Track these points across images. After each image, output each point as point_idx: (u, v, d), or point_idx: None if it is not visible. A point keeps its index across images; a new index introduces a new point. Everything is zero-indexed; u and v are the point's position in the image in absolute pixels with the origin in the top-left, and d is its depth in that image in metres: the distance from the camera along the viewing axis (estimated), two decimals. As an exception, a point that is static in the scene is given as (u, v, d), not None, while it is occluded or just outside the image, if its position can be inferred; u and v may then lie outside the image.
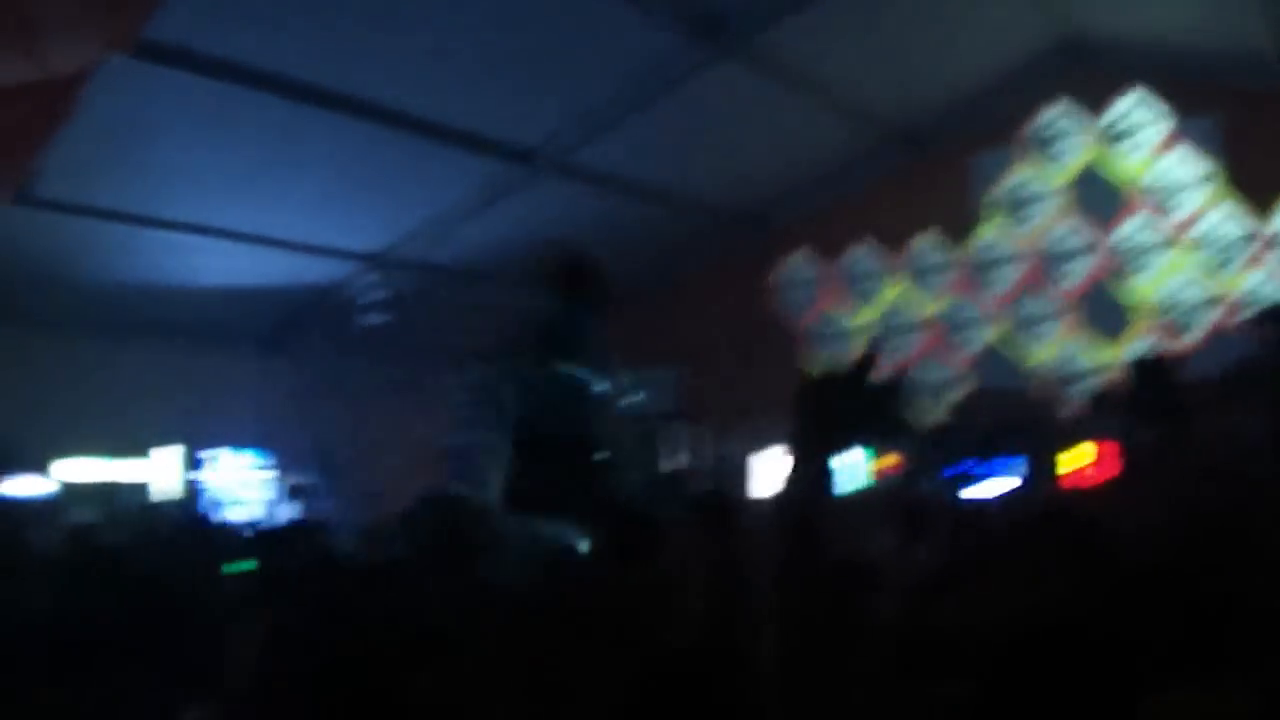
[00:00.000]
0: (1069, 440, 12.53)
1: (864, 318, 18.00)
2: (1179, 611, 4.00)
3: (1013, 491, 12.03)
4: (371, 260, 16.52)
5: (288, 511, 16.03)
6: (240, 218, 14.55)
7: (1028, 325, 16.83)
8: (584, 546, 7.64)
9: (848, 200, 17.73)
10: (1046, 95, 16.69)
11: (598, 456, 14.22)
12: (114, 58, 8.57)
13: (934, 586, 6.26)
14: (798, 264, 18.49)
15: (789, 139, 16.11)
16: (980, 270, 17.21)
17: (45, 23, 6.75)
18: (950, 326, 17.37)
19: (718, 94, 14.32)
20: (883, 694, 2.83)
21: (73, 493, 14.61)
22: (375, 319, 16.50)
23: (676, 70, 13.81)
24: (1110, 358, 16.01)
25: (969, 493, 12.21)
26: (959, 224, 17.24)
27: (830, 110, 15.69)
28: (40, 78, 7.42)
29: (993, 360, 16.95)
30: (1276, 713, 2.90)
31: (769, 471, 14.54)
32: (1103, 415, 13.23)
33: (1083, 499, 9.77)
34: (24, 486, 14.28)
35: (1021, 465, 12.46)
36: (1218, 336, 15.28)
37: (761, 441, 14.60)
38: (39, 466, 14.64)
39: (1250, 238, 15.55)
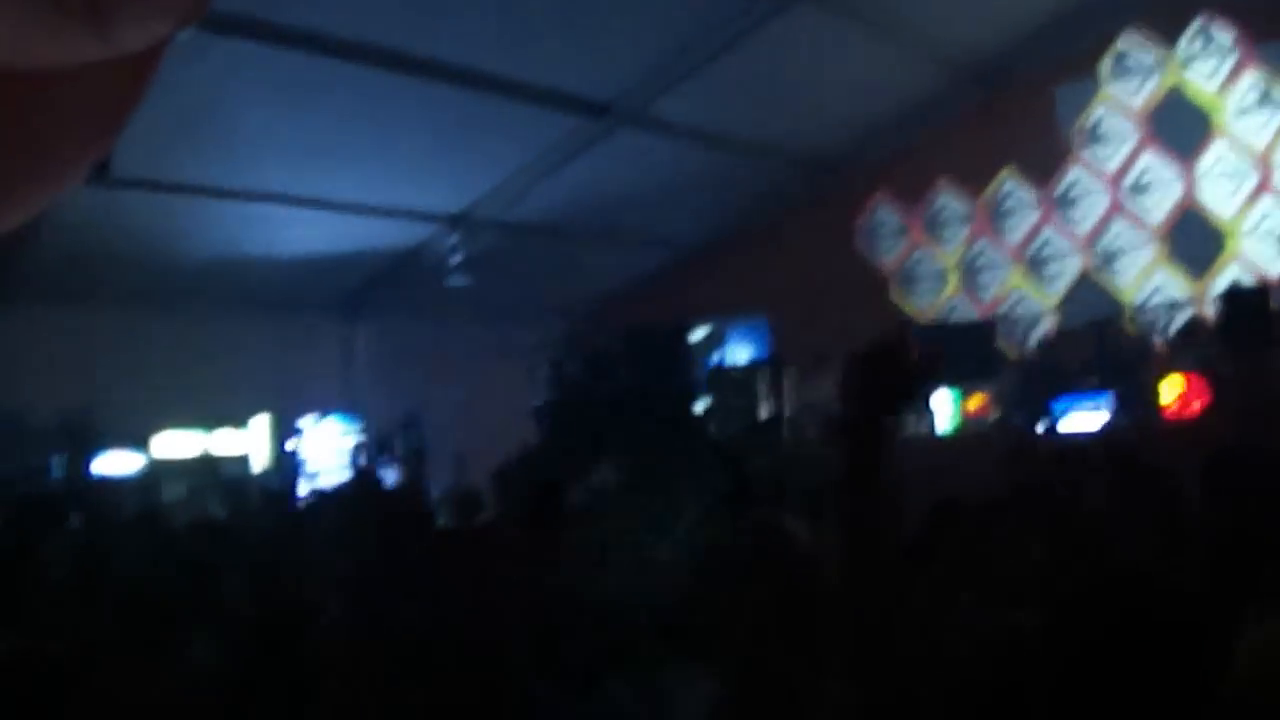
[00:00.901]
0: (1158, 374, 12.42)
1: (949, 258, 17.87)
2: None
3: (1099, 427, 11.94)
4: (452, 221, 16.53)
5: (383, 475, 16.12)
6: (319, 185, 14.61)
7: (1115, 259, 16.63)
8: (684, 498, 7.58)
9: (928, 141, 17.54)
10: (1125, 23, 16.41)
11: (695, 407, 14.29)
12: (185, 32, 8.61)
13: (1015, 522, 6.23)
14: (881, 207, 18.36)
15: (866, 81, 15.94)
16: (1065, 205, 17.01)
17: (114, 1, 6.77)
18: (1036, 263, 17.19)
19: (793, 38, 14.17)
20: (958, 624, 2.81)
21: (166, 467, 14.75)
22: (458, 280, 16.53)
23: (751, 17, 13.70)
24: (1199, 289, 15.79)
25: (1058, 428, 12.14)
26: (1042, 159, 17.03)
27: (906, 49, 15.51)
28: (112, 56, 7.46)
29: (1081, 295, 16.76)
30: None
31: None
32: (1192, 347, 13.10)
33: (1169, 433, 9.69)
34: (117, 464, 14.44)
35: (1109, 400, 12.34)
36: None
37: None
38: (132, 442, 14.80)
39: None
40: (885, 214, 18.34)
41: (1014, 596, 4.07)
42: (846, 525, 2.58)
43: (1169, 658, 2.37)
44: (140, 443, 14.95)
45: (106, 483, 13.67)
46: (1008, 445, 9.42)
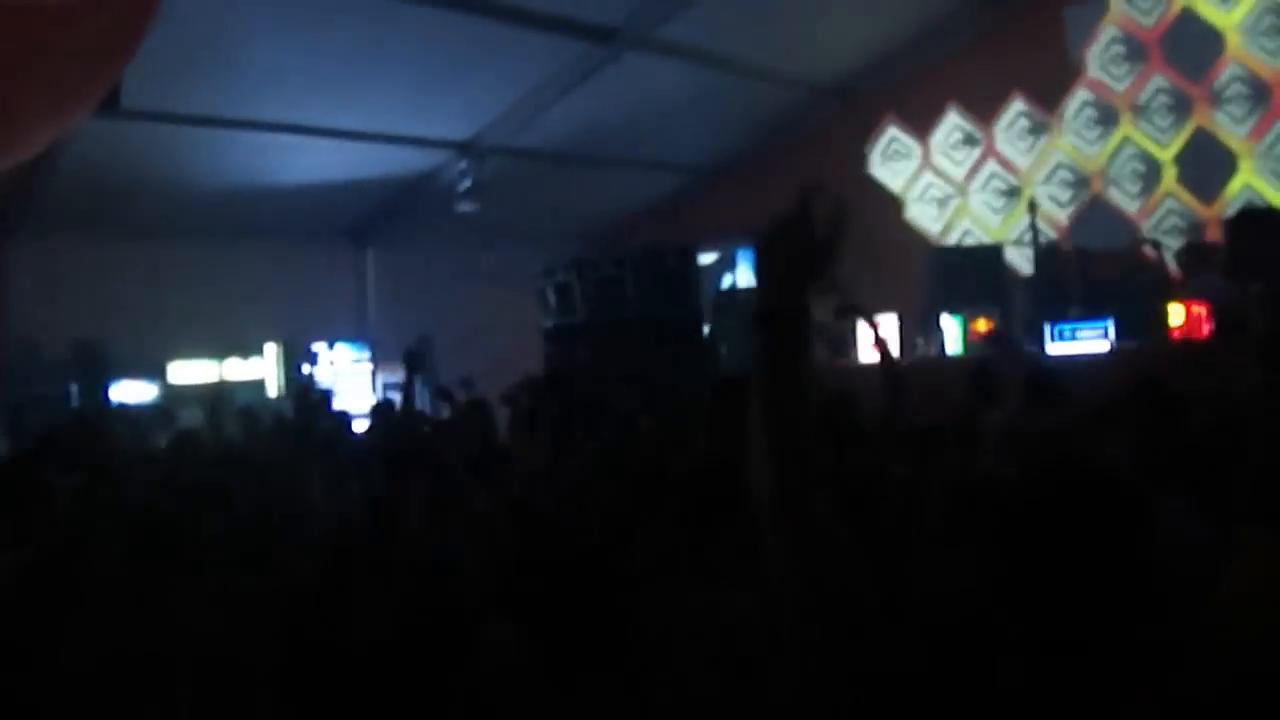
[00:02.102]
0: (1164, 298, 12.43)
1: (959, 181, 17.89)
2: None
3: (1101, 351, 12.01)
4: (459, 148, 16.57)
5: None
6: (329, 114, 14.63)
7: (1124, 182, 16.62)
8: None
9: (937, 66, 17.49)
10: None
11: (703, 329, 14.36)
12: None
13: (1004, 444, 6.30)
14: (891, 131, 18.36)
15: (873, 5, 15.92)
16: (1075, 128, 16.98)
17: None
18: (1046, 186, 17.19)
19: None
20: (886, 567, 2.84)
21: (183, 395, 14.87)
22: (466, 206, 16.59)
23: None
24: (1211, 213, 15.78)
25: (1061, 351, 12.20)
26: (1051, 83, 16.98)
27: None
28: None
29: (1091, 217, 16.77)
30: None
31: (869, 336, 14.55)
32: (1200, 271, 13.09)
33: (1172, 358, 9.74)
34: (133, 392, 14.56)
35: (1112, 324, 12.37)
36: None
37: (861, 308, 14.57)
38: (148, 371, 14.92)
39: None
40: (896, 138, 18.33)
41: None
42: (765, 423, 2.51)
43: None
44: (155, 372, 15.07)
45: (123, 410, 13.77)
46: (989, 369, 9.48)
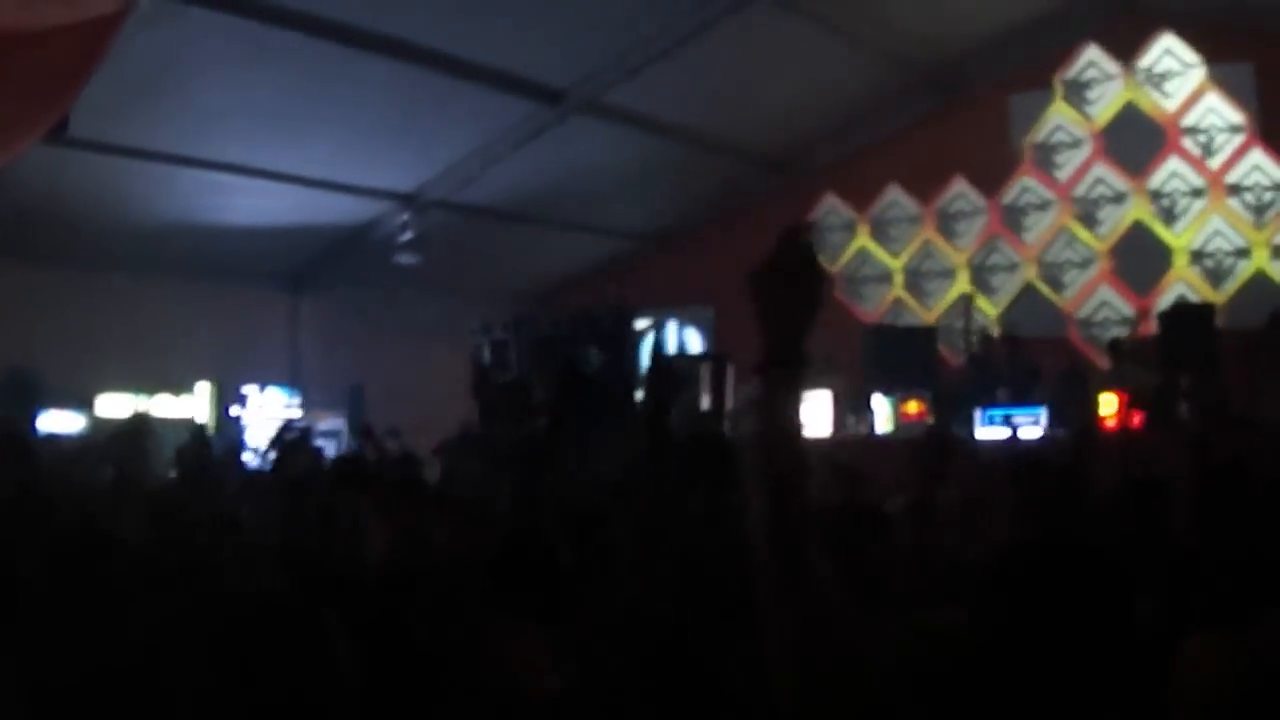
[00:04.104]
0: (1096, 387, 12.57)
1: (896, 261, 18.03)
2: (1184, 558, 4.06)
3: (1033, 437, 12.10)
4: (402, 199, 16.57)
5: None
6: (274, 157, 14.60)
7: (1059, 271, 16.80)
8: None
9: (881, 143, 17.68)
10: (1083, 38, 16.58)
11: (635, 396, 14.37)
12: (148, -1, 8.64)
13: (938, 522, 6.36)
14: (829, 206, 18.47)
15: (822, 80, 16.07)
16: (1014, 215, 17.17)
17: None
18: (982, 270, 17.35)
19: (749, 35, 14.27)
20: (877, 623, 2.85)
21: (109, 428, 14.72)
22: (406, 258, 16.56)
23: (709, 11, 13.77)
24: (1144, 305, 15.97)
25: (991, 436, 12.28)
26: (992, 167, 17.17)
27: (862, 51, 15.62)
28: (75, 19, 7.48)
29: (1025, 305, 16.92)
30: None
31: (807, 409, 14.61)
32: (1132, 363, 13.26)
33: (1098, 446, 9.85)
34: (61, 422, 14.42)
35: (1044, 411, 12.49)
36: (1254, 285, 15.27)
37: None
38: (77, 403, 14.78)
39: (1284, 186, 15.51)
40: (834, 213, 18.44)
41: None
42: (763, 470, 2.51)
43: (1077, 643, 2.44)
44: (84, 403, 14.93)
45: (46, 439, 13.62)
46: (935, 449, 9.55)
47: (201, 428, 14.27)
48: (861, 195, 18.18)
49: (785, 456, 2.50)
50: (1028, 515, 6.38)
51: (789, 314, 2.58)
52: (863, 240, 18.28)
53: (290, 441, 10.78)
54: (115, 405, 15.10)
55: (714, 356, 15.37)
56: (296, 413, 16.82)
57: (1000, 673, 2.46)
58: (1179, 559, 4.29)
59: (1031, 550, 2.63)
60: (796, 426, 2.55)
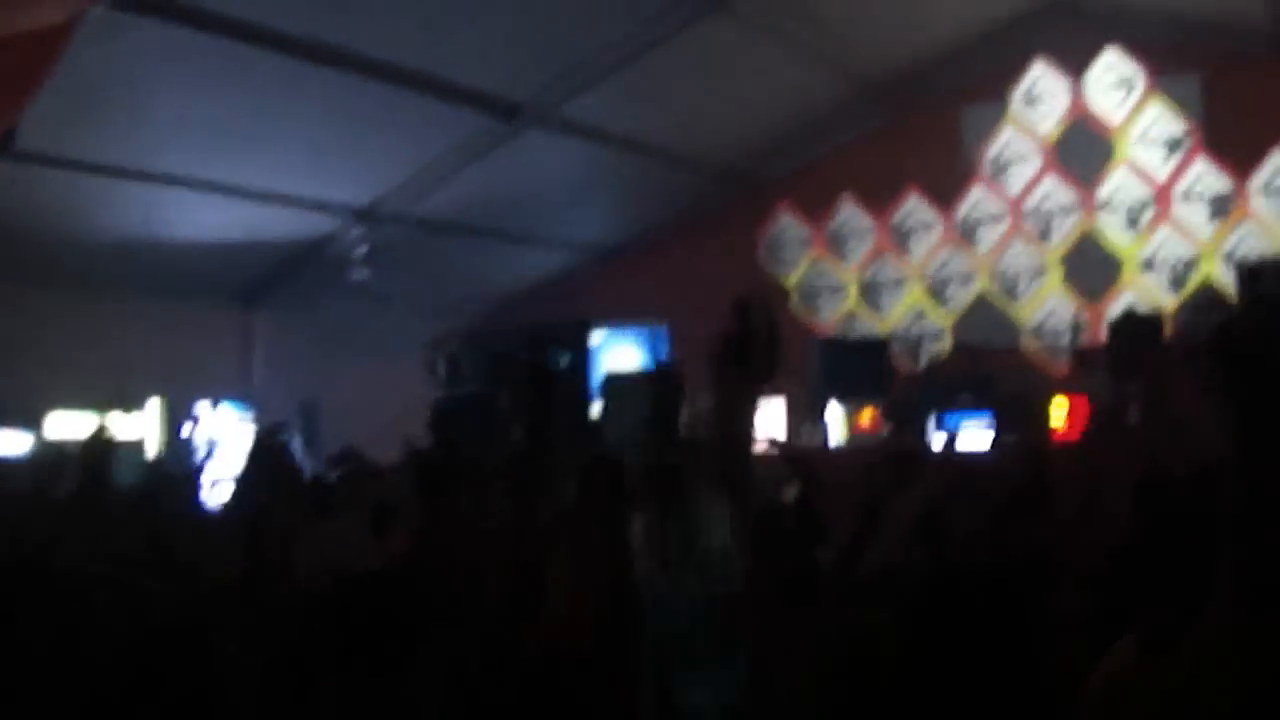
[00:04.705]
0: (1047, 396, 12.62)
1: (849, 273, 18.09)
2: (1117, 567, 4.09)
3: (982, 446, 12.13)
4: (357, 214, 16.52)
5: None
6: (224, 171, 14.51)
7: (1012, 281, 16.90)
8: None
9: (834, 156, 17.77)
10: (1032, 51, 16.69)
11: (589, 408, 14.35)
12: (98, 9, 8.60)
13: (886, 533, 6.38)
14: (784, 220, 18.53)
15: (775, 94, 16.14)
16: (967, 226, 17.26)
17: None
18: (936, 282, 17.43)
19: (705, 48, 14.32)
20: (819, 623, 2.88)
21: (57, 447, 14.60)
22: (360, 273, 16.51)
23: (664, 25, 13.79)
24: (1094, 314, 16.07)
25: (942, 446, 12.30)
26: (945, 180, 17.26)
27: (816, 65, 15.69)
28: (22, 29, 7.44)
29: (977, 315, 17.02)
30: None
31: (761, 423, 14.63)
32: (1081, 372, 13.33)
33: (1045, 454, 9.88)
34: (7, 442, 14.30)
35: (994, 420, 12.53)
36: (1200, 294, 15.36)
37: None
38: (24, 422, 14.65)
39: (1230, 196, 15.61)
40: (789, 227, 18.50)
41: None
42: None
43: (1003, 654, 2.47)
44: (32, 422, 14.81)
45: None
46: (887, 458, 9.57)
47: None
48: (815, 207, 18.22)
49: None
50: (975, 526, 6.41)
51: (738, 389, 2.68)
52: (816, 252, 18.32)
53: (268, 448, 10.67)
54: (65, 424, 14.98)
55: (667, 369, 15.36)
56: (249, 428, 16.74)
57: (907, 679, 2.49)
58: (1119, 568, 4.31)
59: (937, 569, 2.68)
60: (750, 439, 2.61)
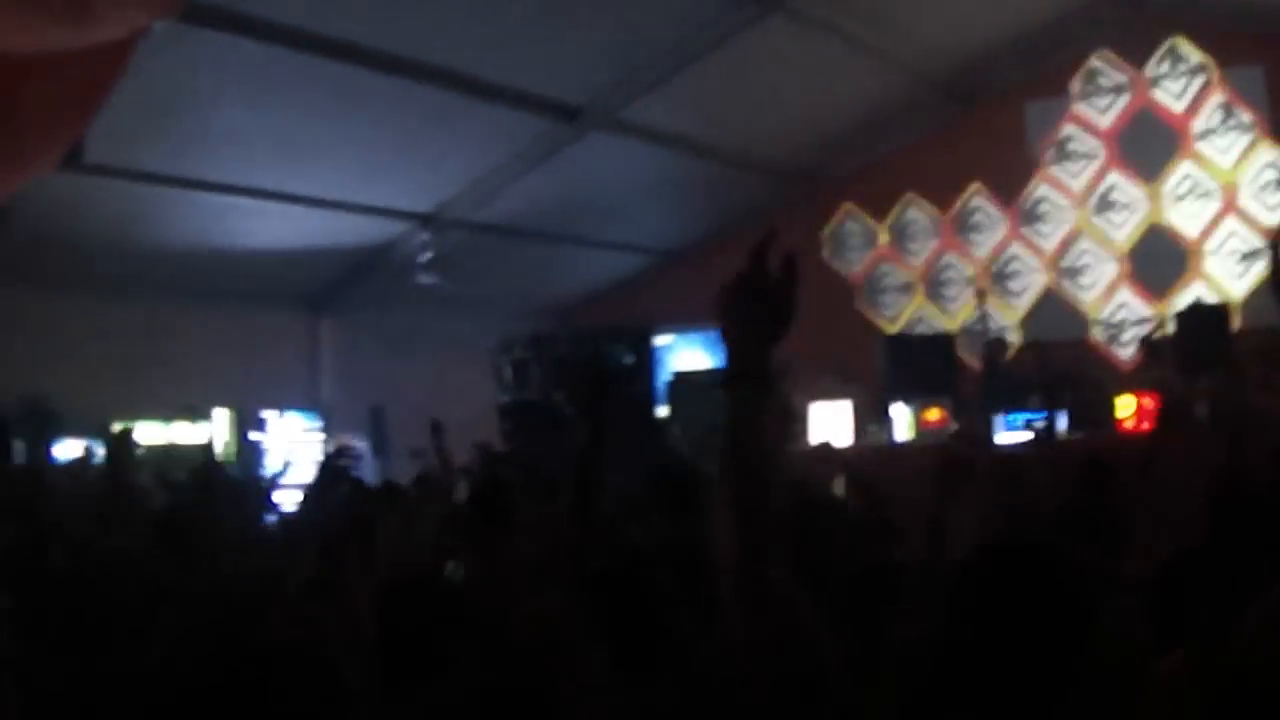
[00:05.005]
0: (1115, 391, 12.54)
1: (914, 270, 18.01)
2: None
3: (1052, 441, 12.05)
4: (421, 220, 16.57)
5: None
6: (291, 180, 14.60)
7: (1079, 275, 16.78)
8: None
9: (897, 153, 17.69)
10: (1095, 43, 16.57)
11: (656, 414, 14.36)
12: (161, 22, 8.66)
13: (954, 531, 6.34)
14: (848, 218, 18.48)
15: (837, 92, 16.08)
16: (1031, 220, 17.16)
17: (92, -10, 6.83)
18: (1001, 277, 17.34)
19: (765, 48, 14.27)
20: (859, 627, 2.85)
21: (129, 455, 14.68)
22: (426, 278, 16.57)
23: (724, 25, 13.77)
24: (1161, 307, 15.94)
25: (1012, 442, 12.24)
26: (1009, 175, 17.15)
27: (877, 62, 15.59)
28: (88, 44, 7.51)
29: (1044, 310, 16.92)
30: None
31: (824, 420, 14.63)
32: (1150, 365, 13.23)
33: (1118, 450, 9.81)
34: (76, 450, 14.40)
35: (1064, 416, 12.46)
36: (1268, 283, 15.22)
37: (817, 392, 14.67)
38: (93, 430, 14.76)
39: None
40: (853, 225, 18.45)
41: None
42: (728, 485, 2.49)
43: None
44: (101, 431, 14.91)
45: (64, 467, 13.61)
46: (956, 454, 9.51)
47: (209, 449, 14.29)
48: (880, 205, 18.18)
49: (750, 472, 2.48)
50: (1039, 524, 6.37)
51: (752, 329, 2.55)
52: (881, 250, 18.25)
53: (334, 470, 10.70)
54: (130, 433, 15.08)
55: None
56: (317, 436, 16.82)
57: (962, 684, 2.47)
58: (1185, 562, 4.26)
59: (992, 556, 2.63)
60: (764, 441, 2.52)
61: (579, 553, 5.26)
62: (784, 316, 2.53)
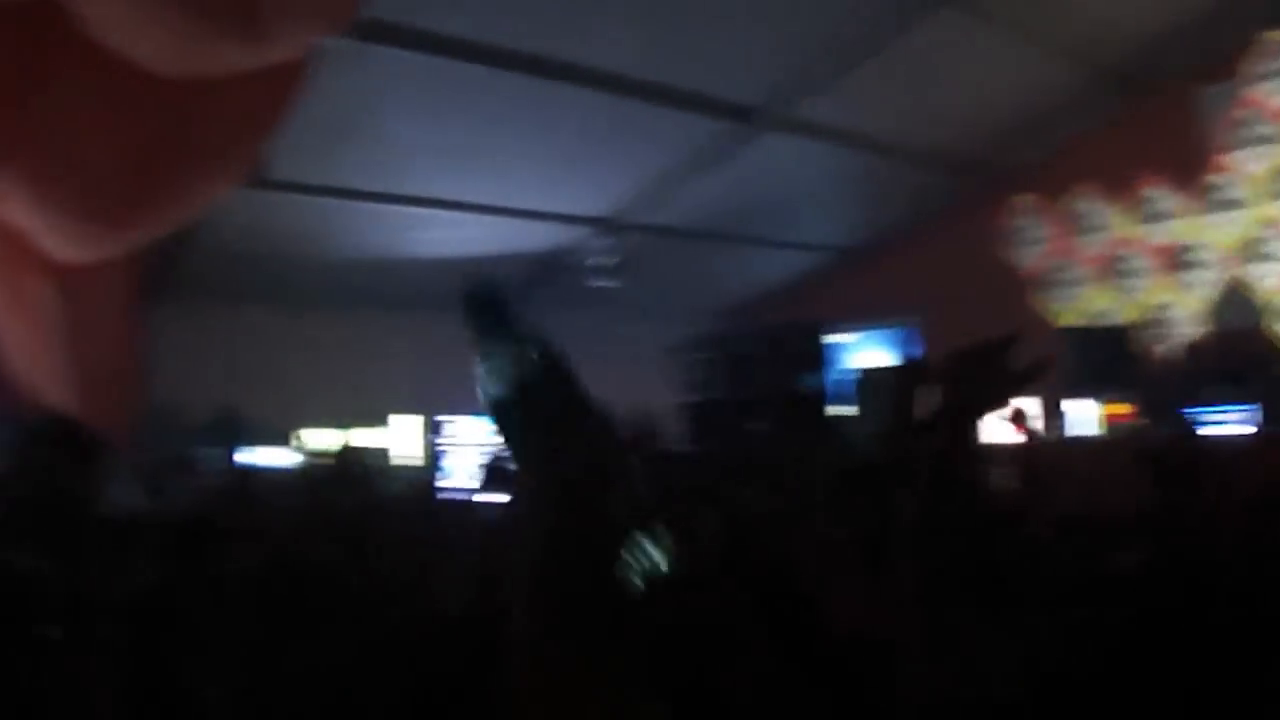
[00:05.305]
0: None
1: (1091, 263, 17.75)
2: None
3: (1245, 434, 11.77)
4: (597, 224, 16.71)
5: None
6: (468, 188, 14.83)
7: (1262, 263, 16.40)
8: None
9: (1071, 144, 17.42)
10: (1269, 23, 16.17)
11: (834, 408, 14.31)
12: (338, 41, 8.85)
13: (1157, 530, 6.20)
14: (1024, 211, 18.27)
15: (1010, 83, 15.86)
16: (1210, 208, 16.80)
17: (268, 10, 6.99)
18: (1181, 268, 17.00)
19: (936, 41, 14.11)
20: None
21: (315, 462, 15.00)
22: (603, 282, 16.69)
23: (894, 20, 13.65)
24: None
25: (1202, 435, 11.99)
26: (1185, 162, 16.81)
27: (1049, 52, 15.36)
28: (267, 64, 7.69)
29: (1227, 300, 16.55)
30: None
31: (1003, 418, 14.46)
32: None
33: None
34: (265, 457, 14.73)
35: (1255, 408, 12.18)
36: None
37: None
38: (280, 439, 15.09)
39: None
40: (1029, 218, 18.24)
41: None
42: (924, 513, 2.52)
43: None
44: (285, 439, 15.26)
45: (254, 472, 13.94)
46: (1147, 448, 9.30)
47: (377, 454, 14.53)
48: (1055, 196, 17.94)
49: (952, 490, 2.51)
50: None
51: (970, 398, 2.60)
52: (1058, 242, 18.01)
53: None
54: (318, 440, 15.41)
55: (914, 367, 15.25)
56: (497, 440, 16.96)
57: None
58: None
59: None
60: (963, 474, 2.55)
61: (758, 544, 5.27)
62: (1005, 396, 2.60)
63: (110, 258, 10.96)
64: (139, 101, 7.87)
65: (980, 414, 2.61)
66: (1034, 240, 18.25)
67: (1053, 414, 14.05)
